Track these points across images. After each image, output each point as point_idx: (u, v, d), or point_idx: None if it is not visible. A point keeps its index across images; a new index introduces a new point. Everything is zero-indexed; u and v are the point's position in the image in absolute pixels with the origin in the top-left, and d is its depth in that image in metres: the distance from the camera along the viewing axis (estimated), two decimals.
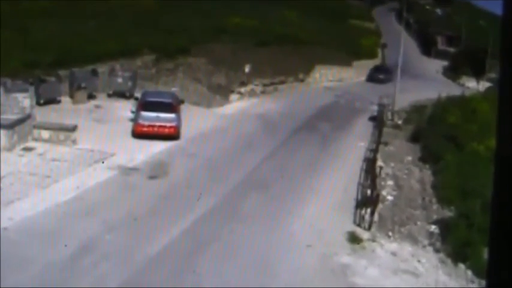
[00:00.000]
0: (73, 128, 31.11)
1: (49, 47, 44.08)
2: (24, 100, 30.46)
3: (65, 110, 37.54)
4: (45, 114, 34.49)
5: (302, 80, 60.82)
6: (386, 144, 36.85)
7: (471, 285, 19.27)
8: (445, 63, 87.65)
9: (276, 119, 41.98)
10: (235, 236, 20.91)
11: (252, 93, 51.35)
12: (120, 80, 43.79)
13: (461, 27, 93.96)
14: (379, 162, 31.17)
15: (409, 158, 34.84)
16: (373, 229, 22.76)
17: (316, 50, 64.94)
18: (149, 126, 32.84)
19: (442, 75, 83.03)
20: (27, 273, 16.53)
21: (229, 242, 20.42)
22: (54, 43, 45.17)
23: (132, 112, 35.22)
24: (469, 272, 19.97)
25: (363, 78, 70.90)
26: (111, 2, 60.01)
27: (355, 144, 37.38)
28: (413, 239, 22.70)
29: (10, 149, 28.34)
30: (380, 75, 70.94)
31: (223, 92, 48.01)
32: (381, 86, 61.56)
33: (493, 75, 72.87)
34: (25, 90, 30.97)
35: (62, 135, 30.65)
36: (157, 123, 32.84)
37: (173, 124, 33.21)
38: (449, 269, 20.38)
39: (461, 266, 20.41)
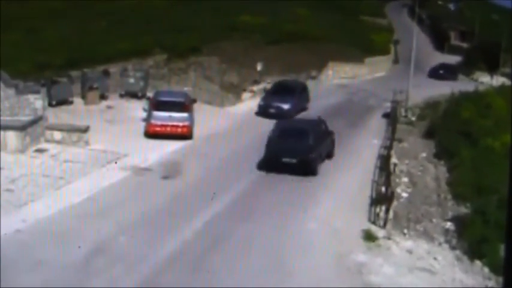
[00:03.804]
0: (85, 129, 31.10)
1: (60, 48, 44.21)
2: (36, 101, 30.49)
3: (77, 111, 37.59)
4: (57, 115, 34.56)
5: (314, 78, 60.54)
6: (400, 141, 36.63)
7: (488, 283, 19.07)
8: (458, 58, 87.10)
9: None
10: (249, 235, 20.77)
11: (264, 92, 51.20)
12: (131, 80, 43.79)
13: (475, 22, 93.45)
14: (394, 159, 30.96)
15: (424, 155, 34.60)
16: (388, 227, 22.57)
17: (328, 47, 64.67)
18: (162, 126, 32.79)
19: None
20: (41, 275, 16.49)
21: (244, 241, 20.30)
22: (65, 44, 45.28)
23: (144, 110, 35.18)
24: (486, 269, 19.77)
25: (376, 74, 70.32)
26: (121, 2, 60.07)
27: (368, 141, 37.15)
28: (429, 236, 22.49)
29: (23, 150, 28.38)
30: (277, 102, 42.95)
31: (235, 91, 47.93)
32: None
33: (507, 69, 72.49)
34: (37, 92, 30.99)
35: (74, 136, 30.66)
36: (170, 123, 32.77)
37: (186, 124, 33.14)
38: (466, 266, 20.16)
39: (478, 263, 20.20)
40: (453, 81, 65.67)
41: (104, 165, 27.58)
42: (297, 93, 45.14)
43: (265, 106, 43.01)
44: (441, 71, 74.48)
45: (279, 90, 44.87)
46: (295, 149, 28.54)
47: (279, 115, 39.69)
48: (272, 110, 41.90)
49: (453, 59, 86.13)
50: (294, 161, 28.38)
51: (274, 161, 28.66)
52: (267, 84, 52.17)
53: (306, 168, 28.53)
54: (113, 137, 31.91)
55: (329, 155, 31.83)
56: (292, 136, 29.66)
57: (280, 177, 27.79)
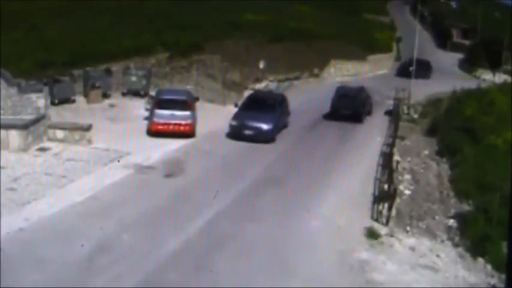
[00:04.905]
0: (88, 128, 31.12)
1: (62, 46, 44.23)
2: (39, 100, 30.52)
3: (80, 110, 37.66)
4: (60, 114, 34.64)
5: (317, 75, 60.58)
6: (402, 138, 36.61)
7: (491, 280, 19.07)
8: (460, 56, 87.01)
9: (292, 115, 41.58)
10: (252, 234, 20.78)
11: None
12: (134, 78, 43.90)
13: (477, 20, 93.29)
14: (396, 157, 30.97)
15: (426, 152, 34.59)
16: (391, 224, 22.57)
17: (331, 44, 64.70)
18: (164, 124, 32.79)
19: (457, 68, 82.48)
20: (44, 273, 16.51)
21: (247, 240, 20.30)
22: (67, 42, 45.30)
23: (147, 109, 35.27)
24: (489, 266, 19.78)
25: (379, 72, 70.24)
26: (124, 0, 60.04)
27: (371, 139, 37.14)
28: (431, 234, 22.50)
29: (25, 149, 28.42)
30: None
31: (238, 89, 47.88)
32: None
33: (509, 67, 72.34)
34: (39, 91, 31.00)
35: (77, 135, 30.69)
36: (173, 121, 32.79)
37: (188, 122, 33.16)
38: (469, 264, 20.17)
39: (481, 260, 20.21)
40: (426, 79, 62.95)
41: (106, 164, 27.60)
42: (277, 108, 36.92)
43: (238, 127, 34.57)
44: (411, 68, 63.63)
45: (255, 106, 36.66)
46: (349, 105, 42.08)
47: (257, 138, 33.83)
48: (248, 132, 34.11)
49: (455, 57, 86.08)
50: (348, 112, 41.66)
51: (335, 113, 42.02)
52: (269, 82, 52.22)
53: (356, 117, 41.73)
54: (115, 136, 31.94)
55: (369, 112, 44.53)
56: (346, 98, 42.74)
57: (280, 178, 27.85)
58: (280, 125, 36.34)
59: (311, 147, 34.00)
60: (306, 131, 38.15)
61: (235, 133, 34.36)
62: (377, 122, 43.17)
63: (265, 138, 33.99)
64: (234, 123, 34.77)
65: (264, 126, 34.28)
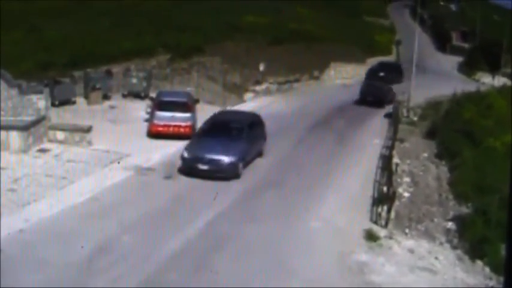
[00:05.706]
0: (88, 129, 31.13)
1: (63, 48, 44.25)
2: (39, 101, 30.52)
3: (80, 111, 37.66)
4: (60, 115, 34.61)
5: (317, 78, 60.58)
6: (402, 141, 36.61)
7: (489, 282, 19.13)
8: (460, 59, 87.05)
9: (292, 118, 41.49)
10: (252, 234, 20.83)
11: (267, 92, 51.23)
12: (134, 80, 43.90)
13: (476, 23, 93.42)
14: (395, 159, 30.98)
15: (425, 155, 34.63)
16: (389, 226, 22.61)
17: (331, 47, 64.71)
18: (164, 126, 32.79)
19: (457, 71, 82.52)
20: (44, 275, 16.55)
21: (246, 240, 20.35)
22: (68, 43, 45.33)
23: (147, 113, 35.31)
24: (487, 269, 19.83)
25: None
26: (124, 1, 60.09)
27: (370, 142, 37.15)
28: (430, 236, 22.56)
29: (25, 150, 28.44)
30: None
31: (238, 91, 47.99)
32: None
33: (508, 70, 72.43)
34: (40, 92, 31.01)
35: (77, 136, 30.69)
36: (173, 123, 32.78)
37: (188, 123, 33.14)
38: (467, 266, 20.23)
39: (479, 262, 20.26)
40: (398, 84, 56.31)
41: (106, 165, 27.61)
42: (244, 133, 29.24)
43: (191, 160, 27.11)
44: (382, 73, 59.91)
45: (215, 131, 29.06)
46: (375, 94, 50.26)
47: (215, 174, 26.53)
48: (203, 167, 26.64)
49: (455, 60, 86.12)
50: (372, 99, 49.62)
51: (363, 99, 50.12)
52: (269, 84, 52.24)
53: (380, 103, 49.17)
54: (115, 137, 31.92)
55: (390, 101, 49.86)
56: (372, 87, 51.31)
57: (280, 180, 27.90)
58: (248, 157, 28.88)
59: (310, 148, 34.00)
60: (307, 131, 38.09)
61: (187, 168, 27.12)
62: (377, 125, 43.17)
63: (226, 174, 26.76)
64: (186, 155, 27.40)
65: (225, 159, 26.93)
